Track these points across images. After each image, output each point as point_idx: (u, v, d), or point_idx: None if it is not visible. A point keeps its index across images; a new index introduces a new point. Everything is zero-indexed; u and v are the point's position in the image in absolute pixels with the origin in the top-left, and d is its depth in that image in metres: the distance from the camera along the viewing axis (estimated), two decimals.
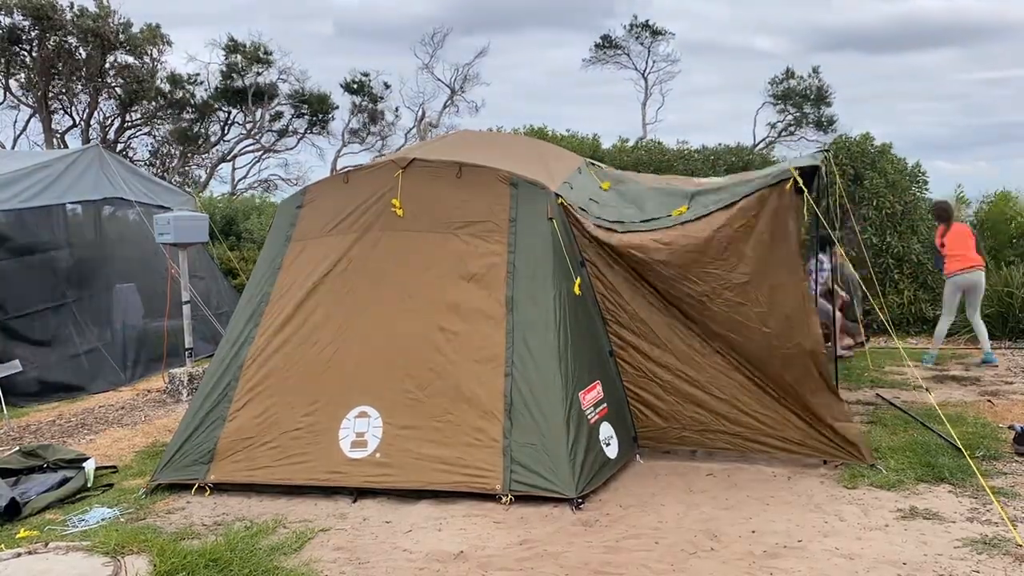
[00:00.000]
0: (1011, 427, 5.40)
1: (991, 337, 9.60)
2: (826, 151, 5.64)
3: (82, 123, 24.62)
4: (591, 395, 4.89)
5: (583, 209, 5.40)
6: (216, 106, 27.09)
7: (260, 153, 29.54)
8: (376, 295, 5.19)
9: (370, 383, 4.95)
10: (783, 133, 28.99)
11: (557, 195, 5.28)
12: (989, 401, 6.56)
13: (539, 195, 5.19)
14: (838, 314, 7.59)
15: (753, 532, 4.11)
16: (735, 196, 5.04)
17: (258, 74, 26.91)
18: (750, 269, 4.98)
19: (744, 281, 4.98)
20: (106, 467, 5.59)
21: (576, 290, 5.12)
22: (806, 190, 4.89)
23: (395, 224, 5.31)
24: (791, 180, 4.83)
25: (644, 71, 31.89)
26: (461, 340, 4.93)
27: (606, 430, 4.93)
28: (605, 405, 4.98)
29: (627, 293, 5.31)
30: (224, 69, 26.65)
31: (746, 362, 5.11)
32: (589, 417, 4.80)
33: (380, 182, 5.41)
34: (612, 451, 4.92)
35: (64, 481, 5.08)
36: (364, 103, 30.27)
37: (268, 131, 28.70)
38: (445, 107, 31.24)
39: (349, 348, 5.08)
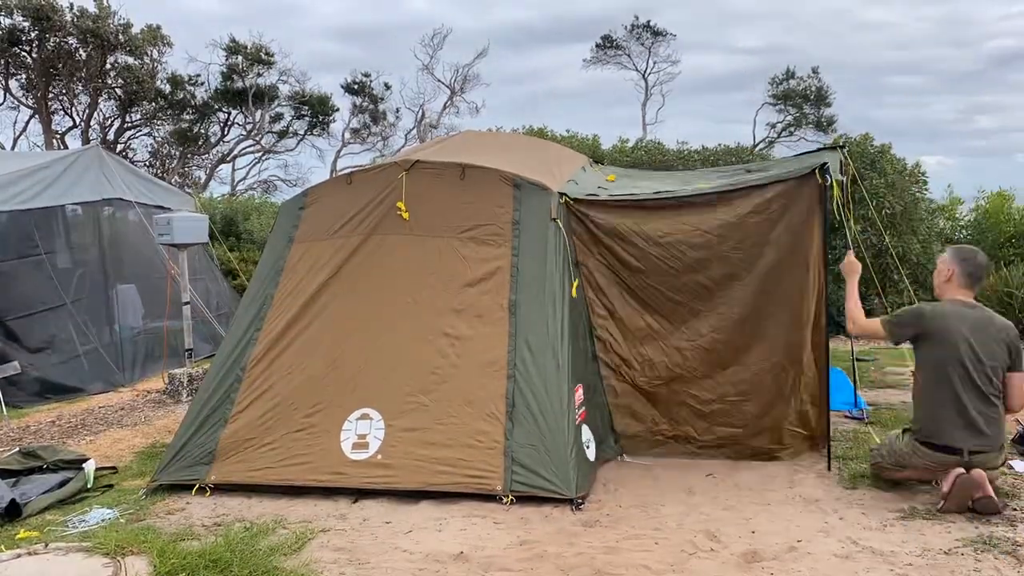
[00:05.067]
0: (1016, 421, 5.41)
1: None
2: (841, 146, 5.65)
3: (82, 124, 24.62)
4: (575, 398, 4.91)
5: (591, 194, 5.42)
6: (216, 107, 27.09)
7: (260, 154, 29.57)
8: (380, 298, 5.18)
9: (373, 386, 4.95)
10: (783, 133, 29.02)
11: (562, 194, 5.28)
12: None
13: (542, 196, 5.19)
14: None
15: (753, 532, 4.11)
16: (766, 179, 5.08)
17: (259, 75, 26.92)
18: (775, 256, 5.04)
19: (768, 268, 5.06)
20: (106, 468, 5.59)
21: (574, 292, 5.13)
22: (836, 183, 4.96)
23: (399, 227, 5.31)
24: (819, 170, 4.91)
25: (645, 72, 31.97)
26: (464, 344, 4.93)
27: (586, 432, 4.95)
28: (584, 409, 5.01)
29: (614, 295, 5.33)
30: (224, 70, 26.67)
31: (745, 350, 5.14)
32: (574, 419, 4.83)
33: (383, 184, 5.41)
34: (591, 454, 4.95)
35: (64, 482, 5.08)
36: (364, 104, 30.30)
37: (268, 132, 28.71)
38: (445, 108, 31.30)
39: (352, 351, 5.08)
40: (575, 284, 5.17)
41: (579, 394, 4.96)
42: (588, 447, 4.92)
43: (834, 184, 4.95)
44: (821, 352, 5.10)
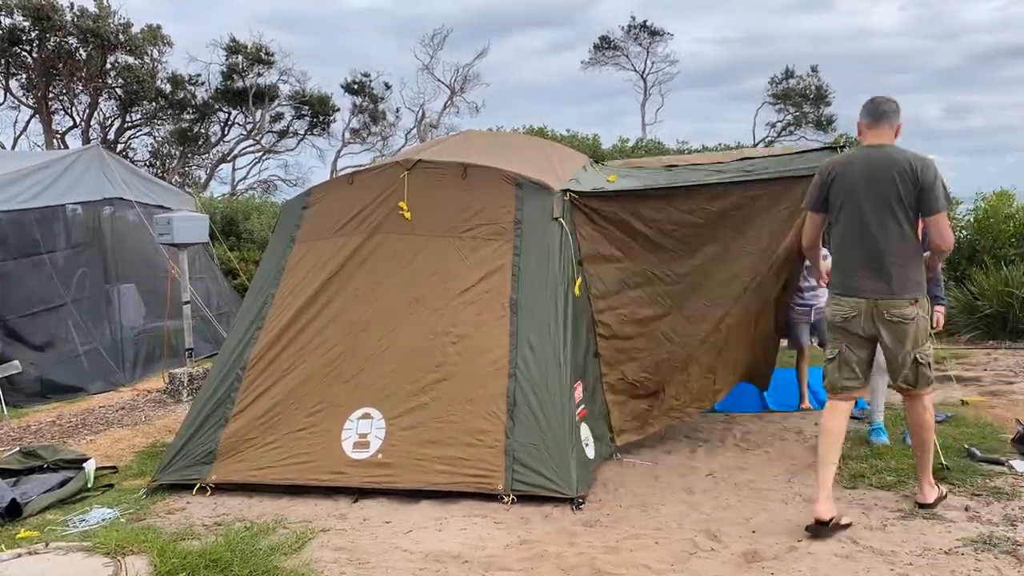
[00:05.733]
0: (1018, 421, 5.42)
1: (991, 337, 9.61)
2: (841, 147, 5.62)
3: (82, 123, 24.62)
4: (574, 396, 4.90)
5: (594, 189, 5.44)
6: (216, 107, 27.09)
7: (260, 154, 29.57)
8: (382, 297, 5.18)
9: (374, 385, 4.95)
10: (783, 133, 29.03)
11: (566, 190, 5.28)
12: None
13: (544, 195, 5.18)
14: None
15: (753, 532, 4.11)
16: (779, 174, 5.10)
17: (259, 75, 26.92)
18: (787, 252, 5.04)
19: (775, 262, 5.07)
20: (106, 467, 5.59)
21: (576, 291, 5.13)
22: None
23: (401, 226, 5.31)
24: None
25: (643, 72, 32.00)
26: (465, 342, 4.93)
27: (585, 431, 4.95)
28: (584, 407, 5.01)
29: (618, 292, 5.33)
30: (225, 70, 26.67)
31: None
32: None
33: (385, 183, 5.40)
34: (591, 452, 4.95)
35: (65, 482, 5.08)
36: (364, 103, 30.30)
37: (268, 132, 28.72)
38: (445, 108, 31.31)
39: (354, 350, 5.08)
40: (578, 282, 5.18)
41: (578, 391, 4.96)
42: (587, 445, 4.92)
43: None
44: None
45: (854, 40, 51.10)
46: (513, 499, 4.47)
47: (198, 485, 4.88)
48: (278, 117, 28.91)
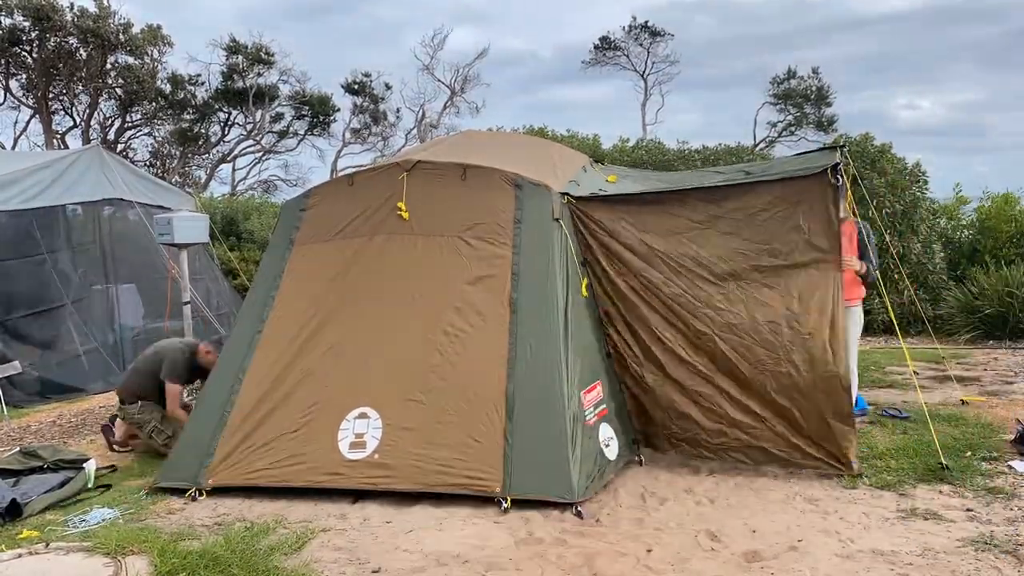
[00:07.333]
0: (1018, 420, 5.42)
1: (991, 337, 9.62)
2: (841, 146, 5.58)
3: (82, 124, 24.64)
4: (591, 395, 4.88)
5: (594, 193, 5.40)
6: (216, 107, 27.09)
7: (260, 154, 29.57)
8: (381, 298, 5.18)
9: (372, 385, 4.94)
10: (783, 133, 29.02)
11: (564, 194, 5.28)
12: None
13: (544, 196, 5.18)
14: None
15: (753, 532, 4.11)
16: (775, 176, 5.07)
17: (259, 75, 26.92)
18: (784, 254, 4.97)
19: (775, 265, 4.98)
20: (106, 468, 5.60)
21: (583, 291, 5.12)
22: (845, 177, 4.93)
23: (400, 227, 5.30)
24: (831, 169, 4.87)
25: (644, 72, 31.99)
26: (464, 342, 4.92)
27: (605, 431, 4.91)
28: (605, 406, 4.97)
29: (621, 294, 5.30)
30: (225, 70, 26.67)
31: (752, 347, 5.01)
32: (588, 418, 4.79)
33: (385, 184, 5.40)
34: (612, 452, 4.91)
35: (65, 482, 5.08)
36: (365, 104, 30.29)
37: (268, 132, 28.71)
38: (445, 108, 31.29)
39: (353, 350, 5.07)
40: (584, 282, 5.17)
41: (598, 391, 4.93)
42: (608, 445, 4.87)
43: (847, 184, 4.95)
44: (842, 358, 4.83)
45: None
46: (511, 502, 4.42)
47: (196, 487, 4.87)
48: (278, 117, 28.91)
